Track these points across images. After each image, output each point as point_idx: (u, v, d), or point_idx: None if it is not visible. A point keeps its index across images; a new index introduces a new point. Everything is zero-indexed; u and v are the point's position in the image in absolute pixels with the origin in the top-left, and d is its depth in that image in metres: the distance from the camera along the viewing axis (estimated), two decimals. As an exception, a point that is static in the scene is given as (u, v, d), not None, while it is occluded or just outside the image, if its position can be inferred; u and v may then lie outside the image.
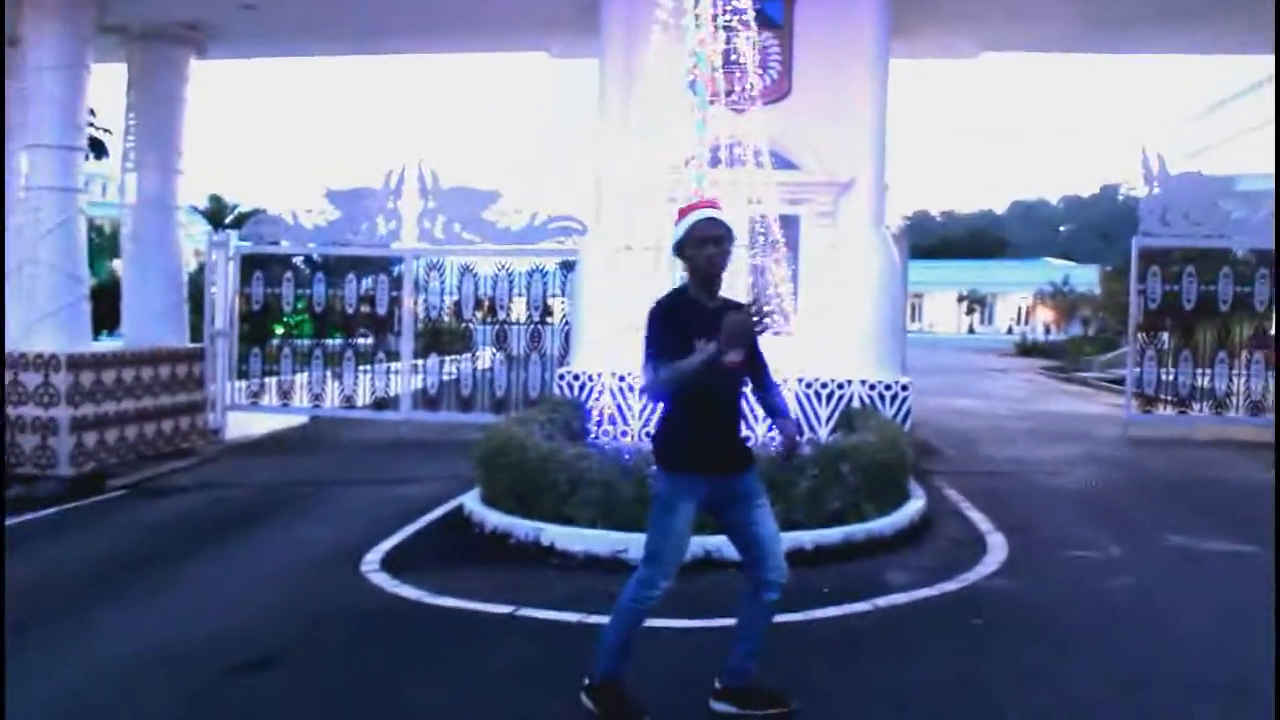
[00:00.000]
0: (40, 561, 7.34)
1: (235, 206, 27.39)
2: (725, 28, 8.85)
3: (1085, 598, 6.26)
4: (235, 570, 7.08)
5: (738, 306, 4.11)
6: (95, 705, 4.65)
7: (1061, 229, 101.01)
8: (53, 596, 6.35)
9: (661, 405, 4.25)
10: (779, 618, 4.41)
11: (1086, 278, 53.34)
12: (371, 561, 7.05)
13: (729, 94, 9.14)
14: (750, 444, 4.38)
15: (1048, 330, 55.30)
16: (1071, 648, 5.29)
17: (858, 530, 7.25)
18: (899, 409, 10.61)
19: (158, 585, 6.66)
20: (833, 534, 7.08)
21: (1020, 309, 70.20)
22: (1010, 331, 60.23)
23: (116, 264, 22.04)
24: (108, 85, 13.59)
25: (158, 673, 4.99)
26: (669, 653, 4.94)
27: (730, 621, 4.48)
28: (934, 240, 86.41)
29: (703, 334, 3.93)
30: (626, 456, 7.52)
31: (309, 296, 13.79)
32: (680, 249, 4.23)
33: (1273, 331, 13.43)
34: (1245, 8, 12.20)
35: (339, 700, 4.64)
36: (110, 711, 4.58)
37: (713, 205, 4.40)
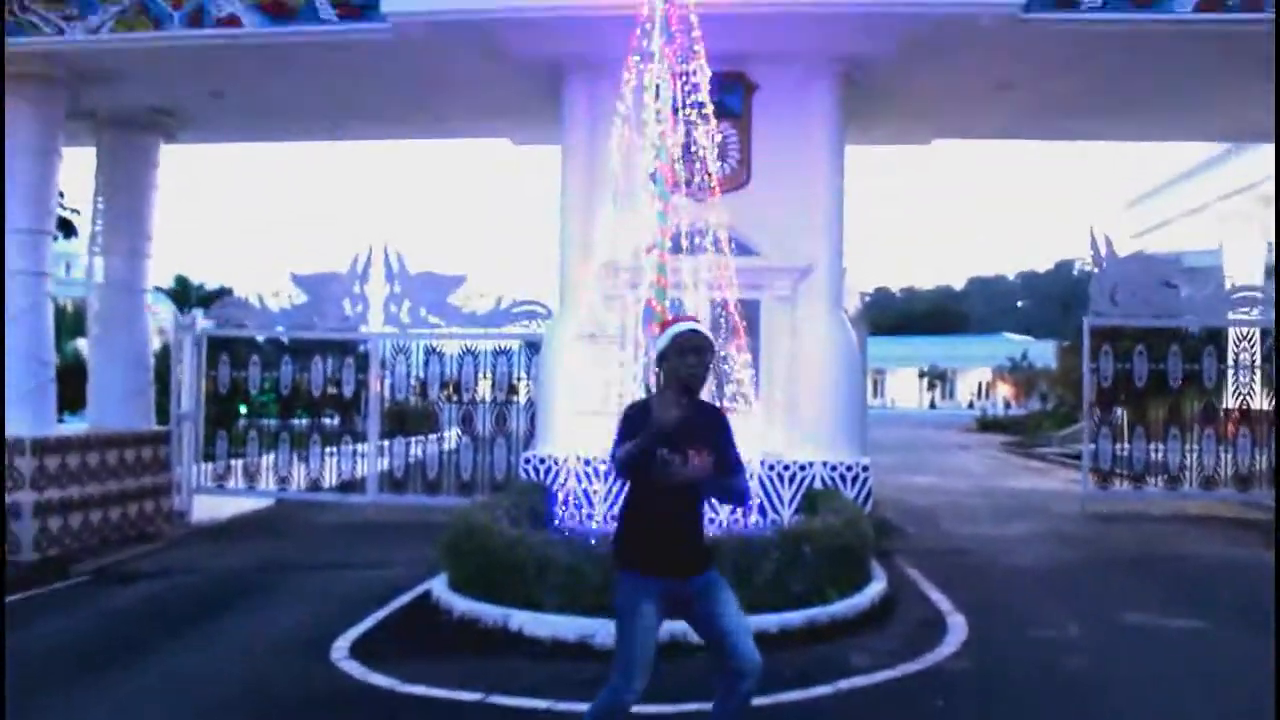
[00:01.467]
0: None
1: (200, 286, 27.49)
2: (685, 121, 9.12)
3: (1044, 676, 6.41)
4: (200, 659, 7.05)
5: (711, 409, 4.32)
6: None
7: (1019, 304, 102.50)
8: (14, 684, 6.29)
9: (620, 508, 4.40)
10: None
11: (1044, 352, 54.13)
12: (341, 648, 7.07)
13: (689, 183, 9.36)
14: (706, 549, 4.44)
15: (1008, 405, 55.95)
16: (1029, 725, 5.43)
17: (820, 613, 7.36)
18: (860, 489, 10.78)
19: (120, 675, 6.63)
20: (795, 617, 7.20)
21: (981, 384, 71.05)
22: (971, 406, 60.90)
23: (80, 342, 22.04)
24: (76, 166, 13.74)
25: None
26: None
27: (702, 706, 4.55)
28: (895, 317, 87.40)
29: (680, 445, 4.10)
30: (592, 541, 7.63)
31: (275, 378, 13.85)
32: (663, 358, 4.38)
33: (1220, 407, 13.79)
34: (1177, 101, 12.80)
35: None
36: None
37: (694, 320, 4.65)
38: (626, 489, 4.40)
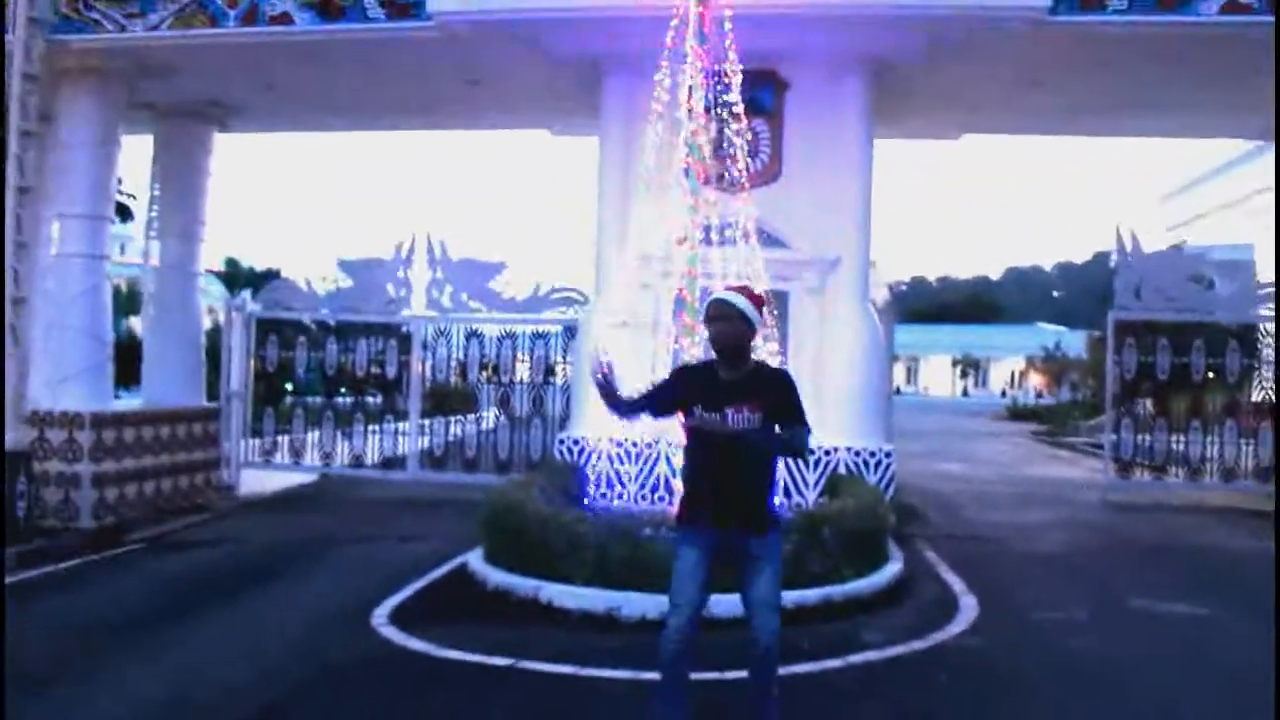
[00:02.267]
0: (62, 612, 7.80)
1: (250, 268, 28.10)
2: (718, 118, 9.47)
3: (1047, 656, 6.74)
4: (251, 623, 7.52)
5: (770, 371, 4.81)
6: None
7: (1055, 294, 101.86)
8: (75, 646, 6.76)
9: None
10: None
11: (1077, 343, 53.96)
12: (381, 616, 7.51)
13: (721, 177, 9.71)
14: (768, 511, 4.78)
15: (1039, 395, 55.83)
16: (1028, 701, 5.82)
17: (836, 591, 7.72)
18: (883, 475, 11.12)
19: (176, 637, 7.06)
20: (812, 595, 7.56)
21: (1013, 373, 70.80)
22: (1004, 395, 60.74)
23: (133, 321, 22.69)
24: (134, 152, 14.28)
25: (180, 718, 5.42)
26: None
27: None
28: (931, 305, 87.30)
29: (703, 399, 4.61)
30: (619, 519, 8.05)
31: (321, 359, 14.34)
32: (704, 322, 4.93)
33: (1243, 401, 13.99)
34: (1207, 98, 12.95)
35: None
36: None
37: (740, 290, 4.93)
38: (685, 450, 4.86)
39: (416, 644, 6.79)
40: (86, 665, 6.32)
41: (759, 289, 6.56)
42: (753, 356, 4.91)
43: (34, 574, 8.93)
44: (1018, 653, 6.82)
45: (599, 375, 4.67)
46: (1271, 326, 13.83)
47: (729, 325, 4.72)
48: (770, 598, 4.72)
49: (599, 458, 9.83)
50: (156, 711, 5.51)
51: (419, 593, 8.36)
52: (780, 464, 10.03)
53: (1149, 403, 14.39)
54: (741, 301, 4.77)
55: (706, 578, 4.71)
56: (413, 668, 6.38)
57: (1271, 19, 10.10)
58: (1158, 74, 12.01)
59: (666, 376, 4.75)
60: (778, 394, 4.72)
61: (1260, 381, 14.00)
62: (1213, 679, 6.27)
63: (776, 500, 9.12)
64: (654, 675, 5.19)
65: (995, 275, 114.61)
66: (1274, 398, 13.60)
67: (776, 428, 4.70)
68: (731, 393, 4.64)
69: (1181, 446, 14.10)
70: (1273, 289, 13.92)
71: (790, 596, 7.33)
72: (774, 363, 9.86)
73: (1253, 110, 12.90)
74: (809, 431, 4.78)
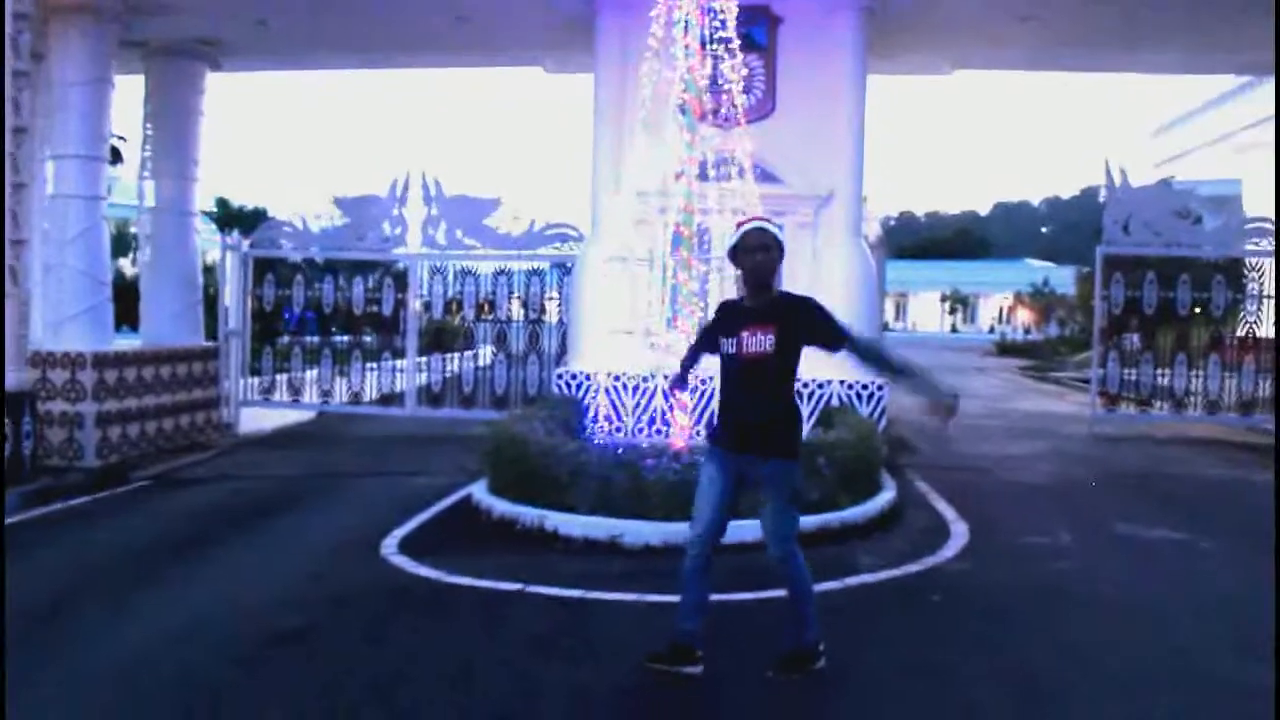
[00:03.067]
0: (77, 545, 8.02)
1: (240, 208, 27.98)
2: (712, 54, 9.52)
3: (1033, 578, 7.00)
4: (264, 553, 7.73)
5: (789, 301, 4.88)
6: (152, 667, 5.21)
7: (1043, 230, 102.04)
8: (95, 575, 6.99)
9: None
10: (763, 594, 5.09)
11: (1065, 279, 54.22)
12: (390, 545, 7.72)
13: (716, 113, 9.78)
14: (785, 438, 4.88)
15: (1027, 330, 56.19)
16: (1015, 619, 6.07)
17: (833, 518, 7.97)
18: (875, 407, 11.34)
19: (191, 567, 7.26)
20: (809, 521, 7.71)
21: (1001, 309, 71.11)
22: (992, 331, 61.09)
23: (122, 262, 22.69)
24: (124, 94, 14.21)
25: (204, 641, 5.60)
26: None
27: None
28: (919, 240, 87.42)
29: (736, 329, 4.78)
30: (620, 451, 8.25)
31: (318, 297, 14.43)
32: (734, 255, 4.98)
33: (1226, 336, 14.23)
34: (1198, 33, 13.01)
35: (371, 663, 5.29)
36: (167, 673, 5.15)
37: (764, 219, 5.13)
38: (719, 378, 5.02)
39: (427, 571, 7.00)
40: (106, 595, 6.51)
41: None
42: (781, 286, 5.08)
43: (45, 511, 9.13)
44: (1006, 575, 7.07)
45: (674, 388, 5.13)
46: (1258, 260, 14.02)
47: (769, 255, 4.86)
48: (774, 526, 4.87)
49: (598, 391, 10.01)
50: (178, 636, 5.68)
51: (425, 523, 8.56)
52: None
53: (1135, 337, 14.60)
54: (777, 231, 4.97)
55: (723, 497, 4.90)
56: (424, 593, 6.59)
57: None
58: (1147, 9, 12.07)
59: (703, 325, 4.95)
60: (801, 316, 4.82)
61: (1245, 316, 14.21)
62: (1191, 597, 6.53)
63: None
64: (656, 597, 5.44)
65: (983, 210, 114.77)
66: (1275, 334, 13.80)
67: (801, 350, 4.87)
68: (751, 317, 4.80)
69: (1166, 380, 14.35)
70: (1260, 223, 14.11)
71: (789, 523, 7.62)
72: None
73: (1241, 46, 13.02)
74: (855, 339, 4.93)
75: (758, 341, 4.73)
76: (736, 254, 4.95)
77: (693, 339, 5.26)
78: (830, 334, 4.82)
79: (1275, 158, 11.93)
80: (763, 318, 4.78)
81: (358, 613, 6.20)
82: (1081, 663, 5.30)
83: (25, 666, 4.96)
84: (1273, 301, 13.85)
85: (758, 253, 4.84)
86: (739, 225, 5.09)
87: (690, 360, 5.45)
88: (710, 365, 5.18)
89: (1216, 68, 17.00)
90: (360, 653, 5.47)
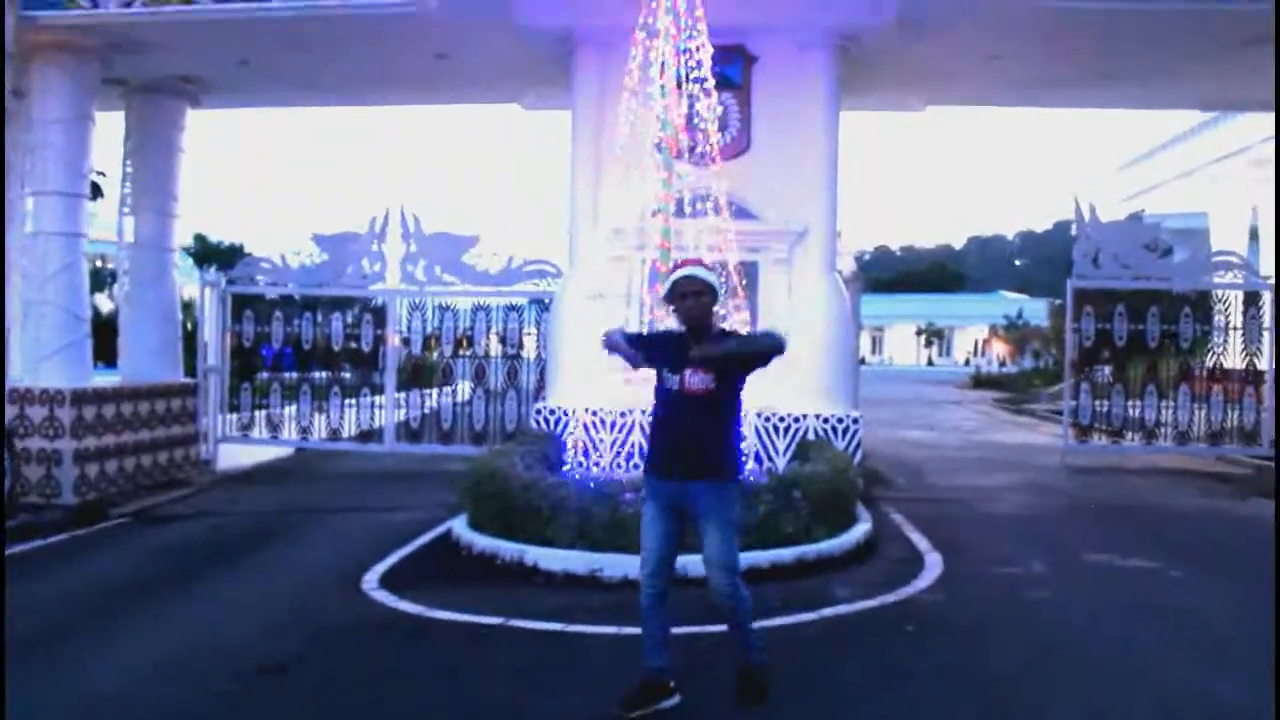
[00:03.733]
0: (58, 581, 8.00)
1: (219, 244, 28.04)
2: (688, 94, 9.69)
3: (1006, 607, 7.14)
4: (245, 589, 7.77)
5: (721, 335, 5.06)
6: (138, 700, 5.27)
7: (1017, 263, 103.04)
8: (78, 611, 7.00)
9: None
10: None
11: (1039, 311, 54.78)
12: (371, 580, 7.77)
13: (692, 151, 9.95)
14: (720, 461, 4.97)
15: (1002, 363, 56.63)
16: (987, 646, 6.19)
17: (809, 550, 8.06)
18: (850, 441, 11.47)
19: (173, 602, 7.31)
20: (786, 554, 7.90)
21: (977, 341, 71.65)
22: (968, 363, 61.53)
23: (99, 298, 22.64)
24: (105, 130, 14.28)
25: (188, 675, 5.64)
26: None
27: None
28: (894, 274, 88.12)
29: (679, 367, 4.91)
30: (599, 485, 8.34)
31: (296, 333, 14.46)
32: (669, 298, 5.15)
33: (1195, 367, 14.45)
34: (1163, 70, 13.34)
35: (358, 695, 5.37)
36: (153, 706, 5.21)
37: (698, 263, 5.31)
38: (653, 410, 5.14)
39: (408, 606, 7.06)
40: (90, 630, 6.54)
41: (709, 259, 7.01)
42: (718, 325, 5.26)
43: (25, 548, 9.11)
44: (980, 605, 7.19)
45: (612, 340, 5.11)
46: (1224, 293, 14.28)
47: (700, 300, 5.01)
48: (717, 556, 4.91)
49: (576, 426, 10.10)
50: (161, 670, 5.73)
51: (406, 558, 8.61)
52: (754, 431, 10.42)
53: (1107, 369, 14.80)
54: (710, 276, 5.11)
55: (667, 529, 4.99)
56: (407, 628, 6.65)
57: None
58: (1115, 48, 12.35)
59: (644, 333, 5.04)
60: (731, 339, 5.06)
61: (1213, 347, 14.44)
62: (1160, 624, 6.66)
63: (745, 464, 9.49)
64: (636, 630, 5.50)
65: (958, 244, 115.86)
66: (1274, 366, 13.97)
67: (740, 380, 5.04)
68: (693, 359, 4.92)
69: (1137, 411, 14.54)
70: (1226, 256, 14.40)
71: (765, 556, 7.74)
72: (741, 329, 10.18)
73: (1200, 83, 13.33)
74: (770, 336, 5.06)
75: (700, 380, 4.88)
76: (671, 298, 5.11)
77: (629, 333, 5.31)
78: (753, 363, 5.01)
79: (1275, 185, 12.14)
80: (704, 359, 4.91)
81: (341, 646, 6.26)
82: (1043, 682, 5.45)
83: (10, 696, 4.99)
84: (1267, 332, 14.06)
85: (689, 298, 5.00)
86: (675, 267, 5.27)
87: (629, 347, 5.23)
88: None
89: (1178, 103, 17.39)
90: (345, 684, 5.55)
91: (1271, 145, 16.28)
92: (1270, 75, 10.28)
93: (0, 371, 9.93)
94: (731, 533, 4.97)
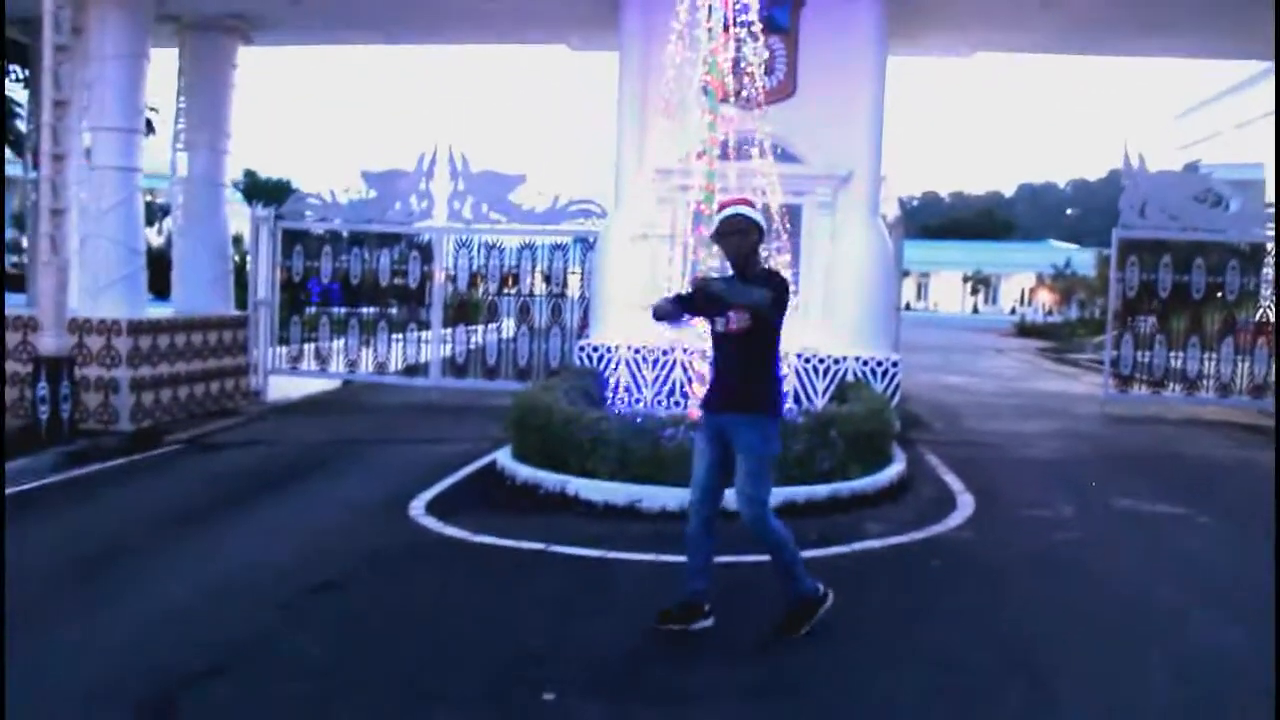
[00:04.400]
0: (117, 504, 8.37)
1: (268, 180, 28.34)
2: (735, 37, 9.73)
3: (1031, 546, 7.31)
4: (298, 513, 8.09)
5: (766, 275, 5.22)
6: (201, 614, 5.55)
7: (1069, 212, 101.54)
8: (138, 533, 7.31)
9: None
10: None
11: (1088, 261, 54.12)
12: (418, 507, 8.05)
13: (738, 94, 10.00)
14: (755, 397, 5.16)
15: (1048, 312, 56.13)
16: (1009, 583, 6.39)
17: (843, 488, 8.25)
18: (889, 383, 11.59)
19: (227, 525, 7.63)
20: (821, 490, 8.09)
21: (1024, 290, 70.92)
22: (1013, 312, 61.03)
23: (148, 233, 23.00)
24: (158, 67, 14.51)
25: (247, 592, 5.95)
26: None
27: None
28: (942, 220, 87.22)
29: (724, 309, 5.09)
30: (639, 420, 8.55)
31: (345, 269, 14.73)
32: (715, 236, 5.38)
33: (1240, 319, 14.37)
34: (1219, 19, 13.12)
35: (405, 613, 5.63)
36: (216, 619, 5.49)
37: (744, 202, 5.46)
38: None
39: (454, 531, 7.33)
40: (150, 550, 6.85)
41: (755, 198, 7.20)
42: (761, 264, 5.40)
43: (83, 471, 9.48)
44: (1006, 544, 7.35)
45: (660, 311, 5.30)
46: (1269, 247, 14.16)
47: (741, 239, 5.21)
48: (740, 485, 5.14)
49: (619, 363, 10.29)
50: (221, 587, 6.02)
51: (451, 487, 8.89)
52: (794, 372, 10.56)
53: (1151, 320, 14.75)
54: (755, 214, 5.29)
55: (713, 459, 5.21)
56: (452, 551, 6.92)
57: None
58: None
59: (691, 290, 5.24)
60: (762, 284, 5.15)
61: (1259, 300, 14.35)
62: (1180, 569, 6.79)
63: (788, 405, 9.63)
64: (673, 558, 5.74)
65: (1009, 192, 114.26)
66: (1274, 319, 13.93)
67: (777, 321, 5.20)
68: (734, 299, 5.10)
69: (1180, 362, 14.52)
70: (1274, 208, 14.24)
71: (802, 491, 7.93)
72: (783, 271, 10.29)
73: (1253, 33, 13.08)
74: (764, 298, 5.07)
75: (739, 318, 5.08)
76: (717, 237, 5.32)
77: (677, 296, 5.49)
78: (782, 312, 5.15)
79: (1275, 149, 12.04)
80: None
81: (390, 567, 6.56)
82: (1063, 621, 5.63)
83: (83, 606, 5.35)
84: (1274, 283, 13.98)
85: (734, 236, 5.20)
86: (720, 207, 5.43)
87: (677, 309, 5.41)
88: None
89: (1230, 53, 17.12)
90: (394, 601, 5.84)
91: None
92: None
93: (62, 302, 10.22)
94: (761, 466, 5.15)
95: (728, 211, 5.30)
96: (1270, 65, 19.58)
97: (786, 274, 9.96)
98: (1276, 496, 7.83)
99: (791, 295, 5.27)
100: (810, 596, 5.29)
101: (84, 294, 11.92)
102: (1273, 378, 14.04)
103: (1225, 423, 13.84)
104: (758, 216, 5.29)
